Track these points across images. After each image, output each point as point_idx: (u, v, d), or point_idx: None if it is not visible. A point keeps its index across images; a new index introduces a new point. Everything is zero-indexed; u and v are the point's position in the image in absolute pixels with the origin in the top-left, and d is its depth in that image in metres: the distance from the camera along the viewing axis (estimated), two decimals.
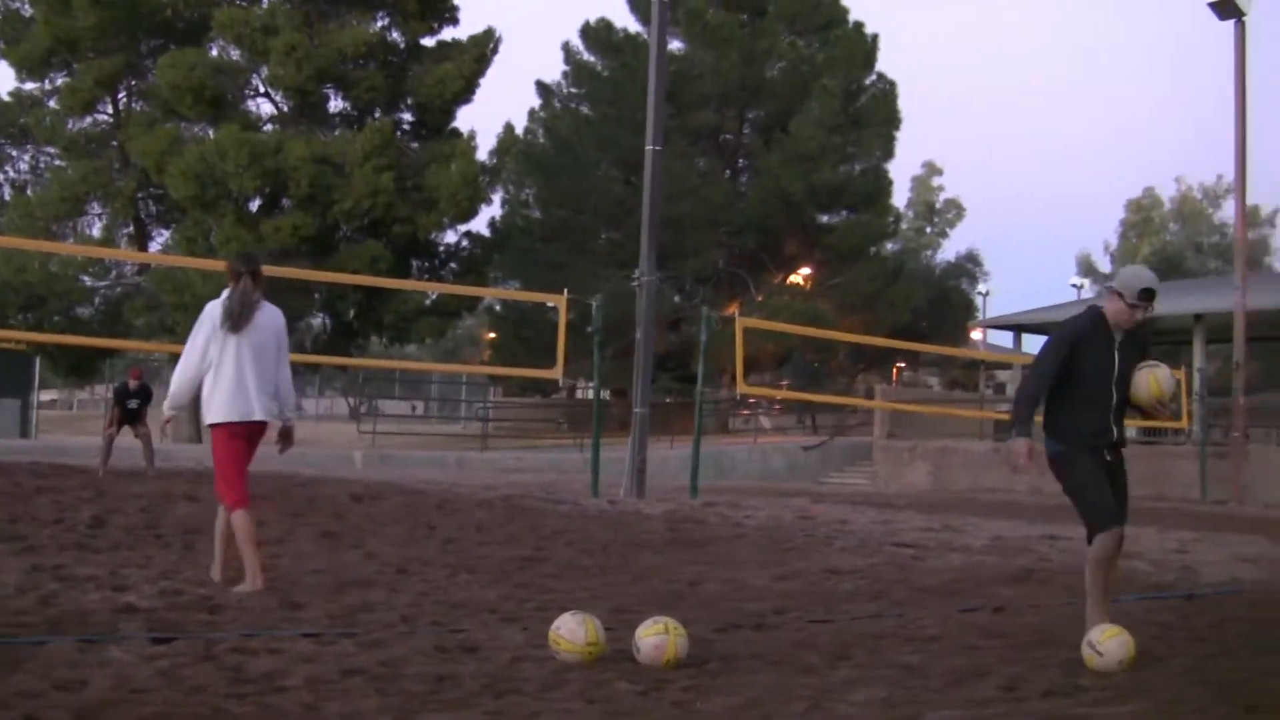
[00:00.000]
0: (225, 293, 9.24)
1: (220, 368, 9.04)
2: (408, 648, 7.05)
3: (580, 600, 8.63)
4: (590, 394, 31.35)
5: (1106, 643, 7.04)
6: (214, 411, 9.08)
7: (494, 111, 51.58)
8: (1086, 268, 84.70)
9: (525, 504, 17.65)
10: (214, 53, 45.16)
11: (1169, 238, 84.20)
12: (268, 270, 31.20)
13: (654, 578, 10.62)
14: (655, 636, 6.83)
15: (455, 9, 47.18)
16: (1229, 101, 30.56)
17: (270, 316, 9.31)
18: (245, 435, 9.18)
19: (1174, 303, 42.31)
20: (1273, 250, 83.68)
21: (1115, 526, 7.60)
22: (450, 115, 47.60)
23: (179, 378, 9.16)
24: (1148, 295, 7.46)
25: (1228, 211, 78.67)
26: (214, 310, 9.14)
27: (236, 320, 9.04)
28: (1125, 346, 7.57)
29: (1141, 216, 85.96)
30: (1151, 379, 7.55)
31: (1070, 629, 8.43)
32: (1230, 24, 30.15)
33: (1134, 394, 7.60)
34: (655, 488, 21.90)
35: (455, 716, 5.54)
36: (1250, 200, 35.03)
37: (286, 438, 9.64)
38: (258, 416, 9.13)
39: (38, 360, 43.75)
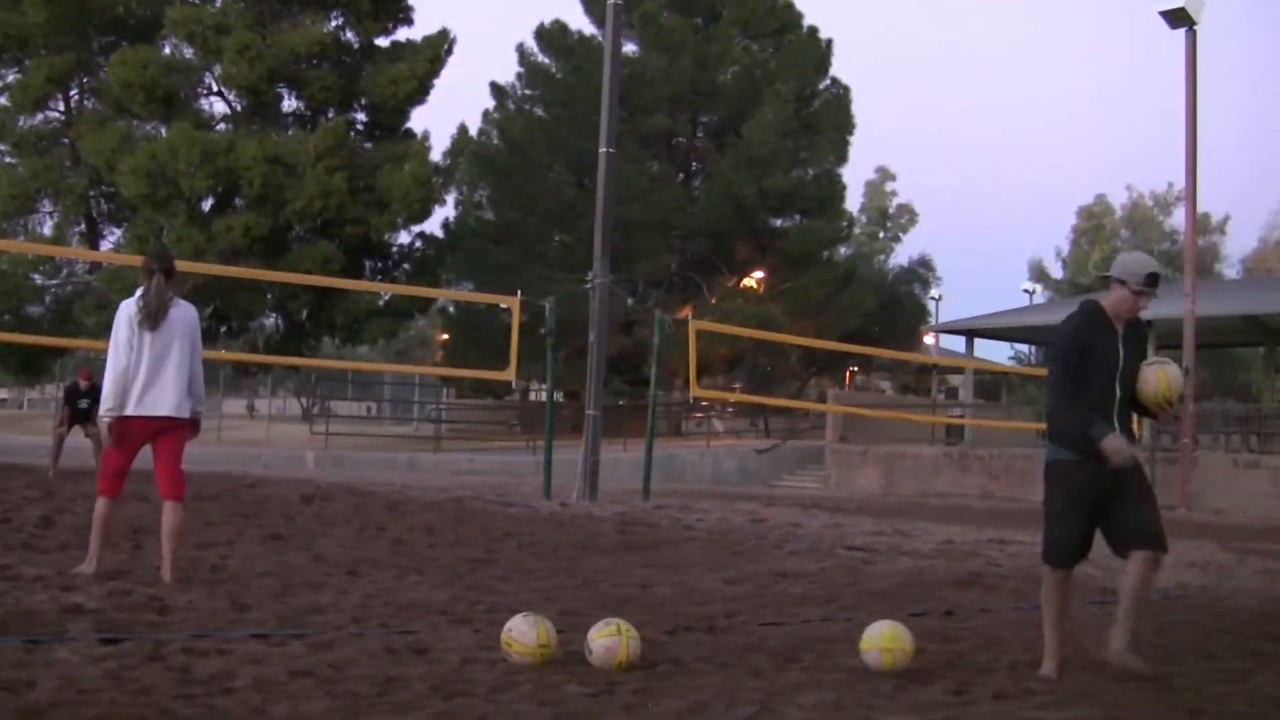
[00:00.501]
0: (139, 291, 9.37)
1: (135, 365, 9.18)
2: (357, 649, 7.03)
3: (531, 602, 8.62)
4: (543, 396, 31.32)
5: (874, 647, 7.09)
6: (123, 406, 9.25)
7: (448, 112, 51.43)
8: (1038, 273, 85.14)
9: (476, 506, 17.64)
10: (166, 51, 44.87)
11: (1120, 244, 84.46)
12: (220, 270, 31.09)
13: (605, 580, 10.62)
14: (608, 638, 6.83)
15: (409, 9, 47.07)
16: (1180, 109, 30.79)
17: (183, 313, 9.44)
18: (149, 430, 9.30)
19: None
20: (1222, 257, 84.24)
21: (1060, 569, 7.08)
22: (404, 116, 47.46)
23: (113, 379, 9.23)
24: (1154, 280, 7.07)
25: (1178, 219, 79.28)
26: (129, 308, 9.28)
27: (153, 318, 9.19)
28: (1128, 340, 7.11)
29: (1093, 223, 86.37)
30: (1161, 376, 7.10)
31: (1019, 633, 8.49)
32: (1181, 33, 30.35)
33: (1141, 392, 7.10)
34: (607, 490, 21.92)
35: (404, 718, 5.53)
36: (1200, 208, 35.26)
37: (193, 428, 9.67)
38: (163, 411, 9.25)
39: None
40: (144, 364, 9.17)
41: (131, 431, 9.27)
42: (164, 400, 9.23)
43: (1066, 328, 7.07)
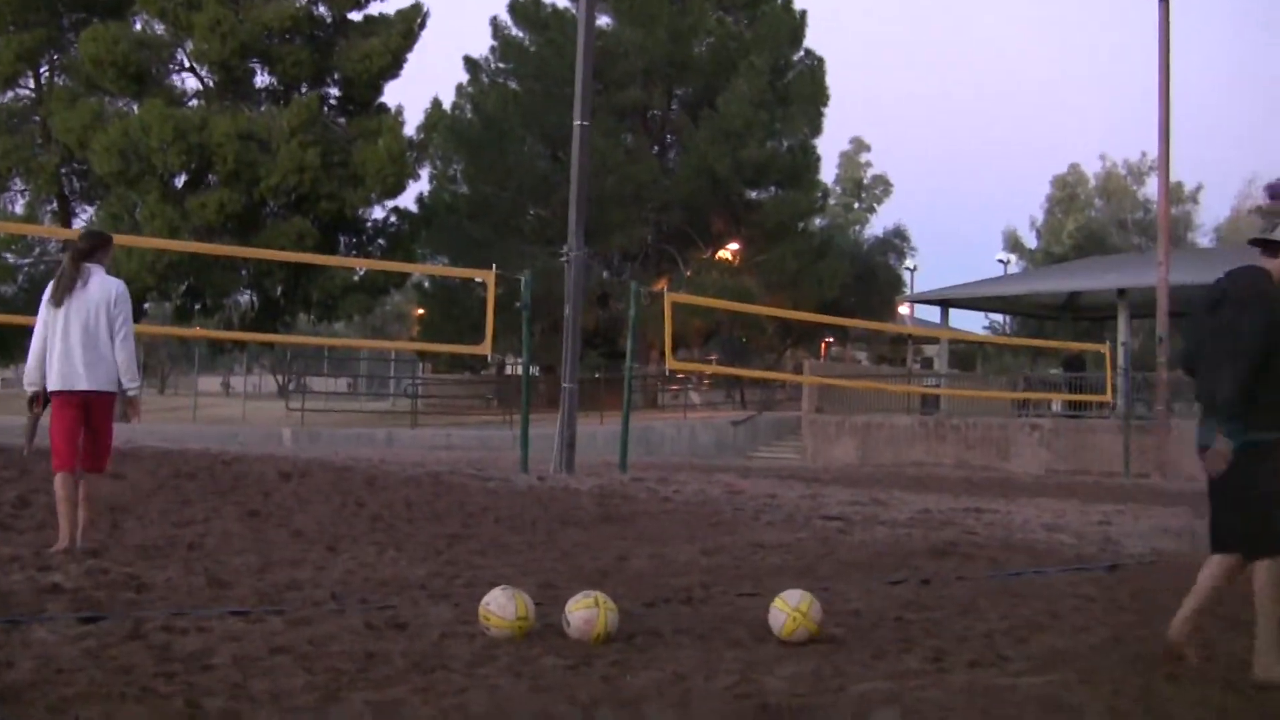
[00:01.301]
0: None
1: (52, 341, 9.48)
2: (336, 625, 7.05)
3: (509, 576, 8.63)
4: (519, 370, 31.31)
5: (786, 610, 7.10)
6: (48, 381, 9.55)
7: (421, 87, 51.49)
8: (1013, 243, 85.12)
9: (454, 481, 17.62)
10: (137, 26, 44.64)
11: (1094, 214, 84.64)
12: (194, 247, 31.07)
13: (582, 553, 10.64)
14: (585, 610, 6.85)
15: None
16: (1153, 79, 30.82)
17: (100, 289, 9.63)
18: (76, 404, 9.53)
19: (1098, 278, 42.72)
20: (1195, 226, 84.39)
21: None
22: (377, 90, 47.28)
23: (30, 355, 9.68)
24: None
25: (1151, 188, 79.08)
26: (48, 289, 9.66)
27: (56, 295, 9.52)
28: None
29: (1067, 193, 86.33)
30: None
31: (995, 601, 8.55)
32: (1155, 1, 30.40)
33: None
34: (584, 464, 21.91)
35: (383, 694, 5.54)
36: (1173, 177, 35.36)
37: (129, 407, 10.07)
38: (81, 386, 9.47)
39: None
40: (56, 340, 9.47)
41: (61, 406, 9.55)
42: (76, 375, 9.46)
43: (1253, 293, 6.41)
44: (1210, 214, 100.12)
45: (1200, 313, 6.73)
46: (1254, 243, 6.74)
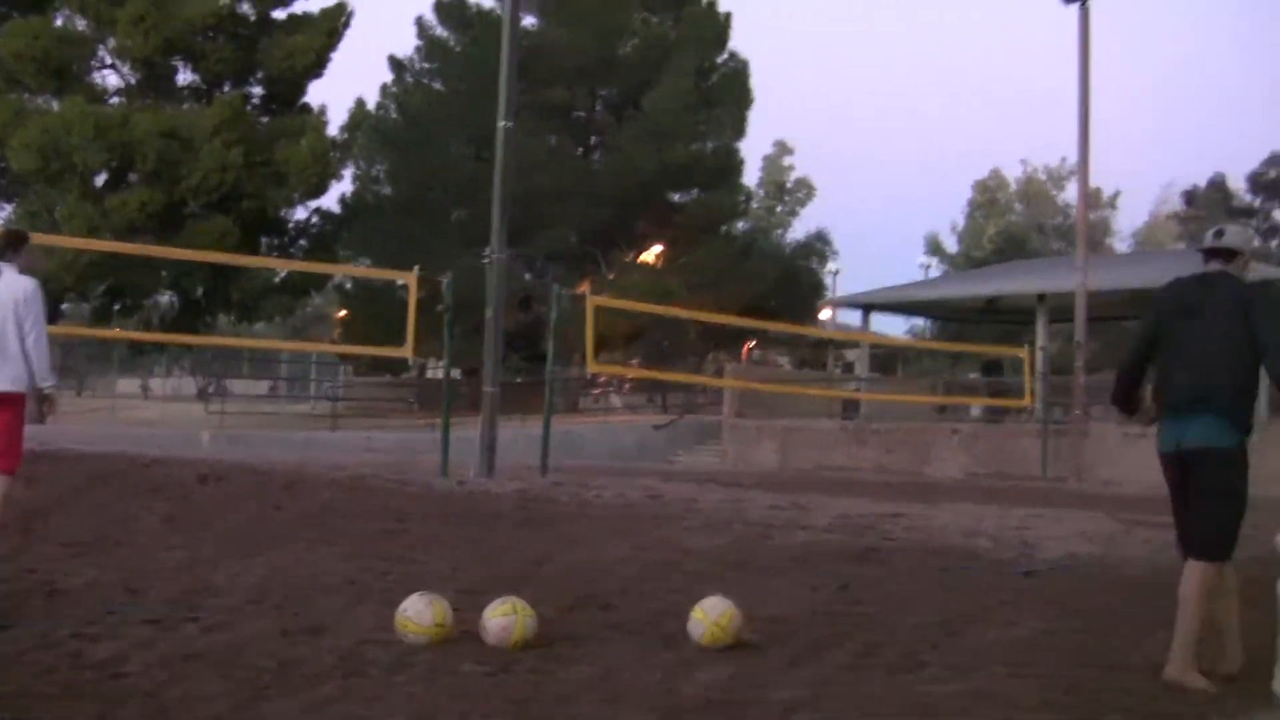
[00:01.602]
0: None
1: None
2: (252, 631, 7.00)
3: (428, 581, 8.59)
4: (440, 373, 31.17)
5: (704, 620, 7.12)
6: None
7: (345, 86, 51.12)
8: (934, 247, 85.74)
9: (374, 484, 17.53)
10: (59, 22, 44.18)
11: (1014, 218, 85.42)
12: (114, 247, 30.58)
13: (502, 557, 10.62)
14: (502, 617, 6.84)
15: None
16: (1073, 85, 31.10)
17: (8, 288, 9.48)
18: None
19: (1018, 282, 43.02)
20: (1113, 232, 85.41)
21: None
22: (301, 89, 47.03)
23: None
24: None
25: (1071, 193, 79.93)
26: None
27: None
28: None
29: (988, 197, 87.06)
30: None
31: (914, 606, 8.59)
32: (1074, 8, 30.66)
33: None
34: (505, 467, 21.81)
35: (299, 700, 5.51)
36: (1092, 182, 35.71)
37: (46, 404, 9.88)
38: None
39: None
40: None
41: None
42: None
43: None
44: (1128, 219, 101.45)
45: (1170, 316, 6.68)
46: (1207, 251, 6.75)
